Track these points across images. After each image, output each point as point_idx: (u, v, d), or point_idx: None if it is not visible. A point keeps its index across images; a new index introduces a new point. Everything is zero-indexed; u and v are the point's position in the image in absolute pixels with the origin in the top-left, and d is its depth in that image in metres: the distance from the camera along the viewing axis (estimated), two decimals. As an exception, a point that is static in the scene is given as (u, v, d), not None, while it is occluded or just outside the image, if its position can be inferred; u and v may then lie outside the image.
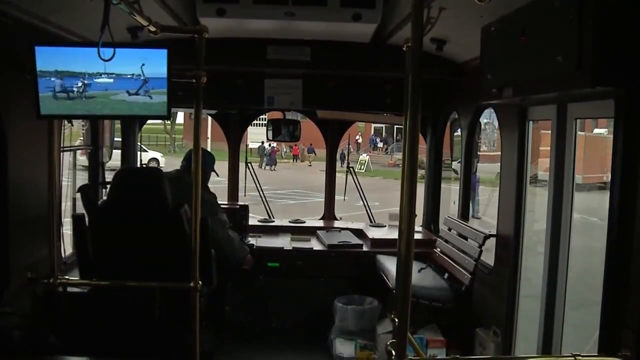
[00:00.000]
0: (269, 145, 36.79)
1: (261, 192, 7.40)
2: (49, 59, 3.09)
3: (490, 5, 2.92)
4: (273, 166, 37.94)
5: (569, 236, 3.86)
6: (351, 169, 8.00)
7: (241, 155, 7.40)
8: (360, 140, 44.76)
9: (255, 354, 5.75)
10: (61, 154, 4.35)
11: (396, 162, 35.84)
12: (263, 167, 36.35)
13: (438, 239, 6.04)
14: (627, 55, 2.62)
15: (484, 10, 3.65)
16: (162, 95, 3.22)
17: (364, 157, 38.60)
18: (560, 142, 3.88)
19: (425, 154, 7.09)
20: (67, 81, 3.13)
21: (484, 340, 4.79)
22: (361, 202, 7.53)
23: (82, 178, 6.03)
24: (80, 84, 3.14)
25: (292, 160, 42.17)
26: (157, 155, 32.72)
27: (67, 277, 3.77)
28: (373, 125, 42.81)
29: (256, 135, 26.08)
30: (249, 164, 7.71)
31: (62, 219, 4.50)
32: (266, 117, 11.61)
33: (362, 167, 35.40)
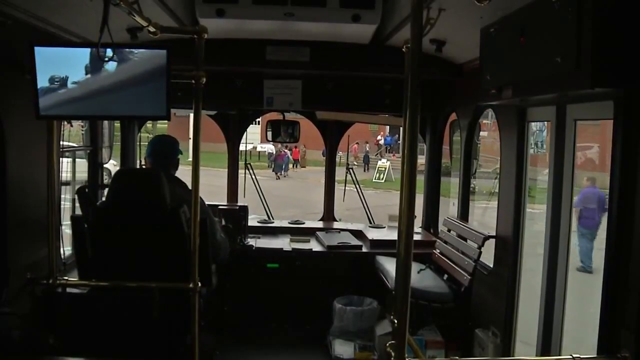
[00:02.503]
0: (285, 147, 32.26)
1: (261, 194, 7.39)
2: (48, 59, 3.09)
3: (489, 6, 2.92)
4: (279, 173, 32.76)
5: (569, 237, 3.86)
6: (351, 169, 7.99)
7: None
8: (382, 142, 40.34)
9: (254, 354, 5.75)
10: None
11: (419, 166, 24.81)
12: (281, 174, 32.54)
13: (437, 240, 6.04)
14: (626, 57, 2.62)
15: (483, 11, 3.65)
16: (161, 96, 3.22)
17: (383, 163, 31.59)
18: (559, 143, 3.89)
19: (425, 154, 7.11)
20: (64, 81, 3.13)
21: (483, 341, 4.80)
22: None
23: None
24: (79, 84, 3.14)
25: (291, 166, 36.53)
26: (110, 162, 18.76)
27: (66, 277, 3.77)
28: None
29: (250, 134, 22.65)
30: (249, 165, 7.70)
31: (62, 220, 4.50)
32: (260, 119, 11.45)
33: (382, 176, 29.72)
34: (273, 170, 33.55)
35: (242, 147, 7.47)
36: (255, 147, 33.11)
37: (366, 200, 7.55)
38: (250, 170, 7.62)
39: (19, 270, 3.61)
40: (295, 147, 34.29)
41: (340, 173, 8.14)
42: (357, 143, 37.95)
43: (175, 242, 3.95)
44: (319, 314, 6.01)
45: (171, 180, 4.39)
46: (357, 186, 7.66)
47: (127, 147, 6.70)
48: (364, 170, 34.41)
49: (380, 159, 33.58)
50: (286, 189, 25.51)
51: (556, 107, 3.89)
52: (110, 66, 3.09)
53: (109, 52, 2.83)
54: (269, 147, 36.74)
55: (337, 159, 7.68)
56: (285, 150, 34.21)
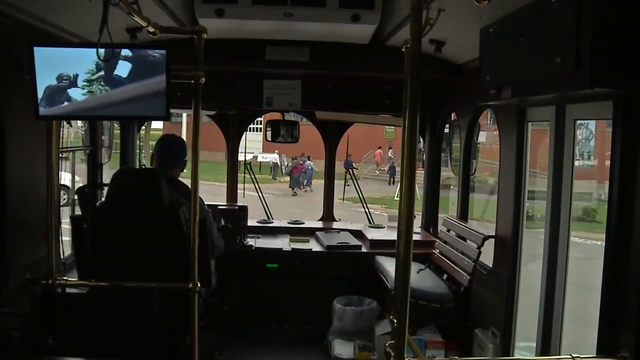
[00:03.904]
0: (302, 158, 28.63)
1: (260, 194, 7.40)
2: (47, 60, 3.09)
3: (489, 7, 2.92)
4: (294, 189, 28.78)
5: (568, 238, 3.86)
6: (350, 170, 7.98)
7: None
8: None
9: (254, 354, 5.75)
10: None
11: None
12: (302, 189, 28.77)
13: (437, 240, 6.05)
14: (625, 57, 2.63)
15: (482, 11, 3.65)
16: (161, 96, 3.21)
17: (406, 176, 27.90)
18: (558, 144, 3.89)
19: (424, 154, 7.11)
20: (65, 81, 3.13)
21: (483, 341, 4.80)
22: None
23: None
24: (79, 84, 3.14)
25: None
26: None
27: (65, 277, 3.77)
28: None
29: (250, 142, 18.83)
30: (248, 165, 7.71)
31: (61, 219, 4.50)
32: (261, 125, 11.41)
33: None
34: (290, 187, 29.82)
35: (240, 158, 7.40)
36: (255, 157, 29.73)
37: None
38: (251, 172, 7.62)
39: (18, 270, 3.61)
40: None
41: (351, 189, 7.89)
42: (380, 148, 34.67)
43: (174, 242, 3.95)
44: (318, 314, 6.02)
45: (173, 186, 4.30)
46: (359, 191, 7.65)
47: (126, 147, 6.70)
48: (389, 184, 31.87)
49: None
50: (288, 213, 18.69)
51: (555, 107, 3.89)
52: (110, 66, 3.09)
53: (109, 53, 2.83)
54: (273, 157, 33.80)
55: (353, 169, 7.62)
56: (305, 162, 30.02)
